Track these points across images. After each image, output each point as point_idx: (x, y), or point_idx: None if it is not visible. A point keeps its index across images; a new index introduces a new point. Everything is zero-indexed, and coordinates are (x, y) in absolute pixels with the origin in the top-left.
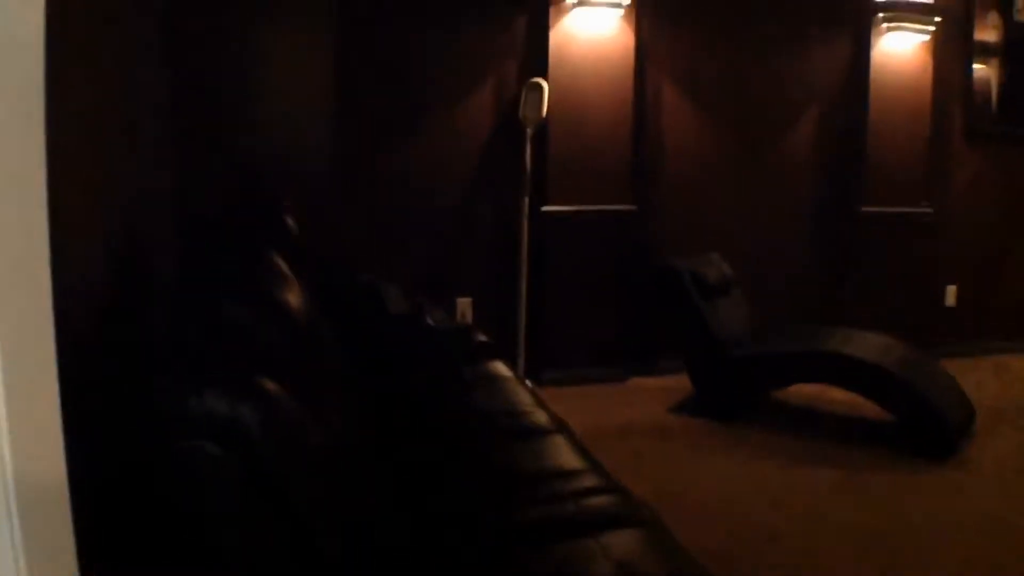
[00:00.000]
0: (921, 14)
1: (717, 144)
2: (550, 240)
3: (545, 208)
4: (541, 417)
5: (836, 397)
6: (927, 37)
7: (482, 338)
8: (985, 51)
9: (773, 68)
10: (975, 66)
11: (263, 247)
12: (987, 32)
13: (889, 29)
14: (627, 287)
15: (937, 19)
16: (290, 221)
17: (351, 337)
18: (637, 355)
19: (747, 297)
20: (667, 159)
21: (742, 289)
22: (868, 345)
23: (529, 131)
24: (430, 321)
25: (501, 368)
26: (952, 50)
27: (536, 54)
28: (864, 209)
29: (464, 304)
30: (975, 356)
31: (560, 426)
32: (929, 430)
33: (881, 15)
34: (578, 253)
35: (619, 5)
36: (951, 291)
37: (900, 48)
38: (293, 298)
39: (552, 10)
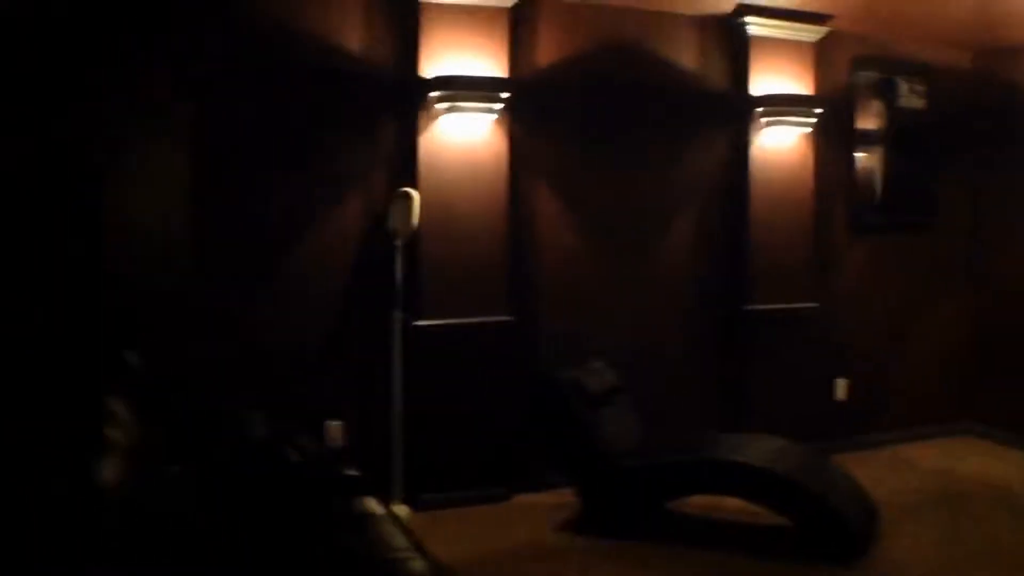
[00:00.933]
0: (801, 106)
1: (596, 248)
2: (424, 356)
3: (418, 323)
4: (418, 565)
5: (734, 505)
6: (808, 129)
7: (352, 472)
8: (868, 140)
9: (651, 169)
10: (858, 155)
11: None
12: (870, 121)
13: (769, 124)
14: (508, 401)
15: (818, 110)
16: (132, 358)
17: (208, 475)
18: (521, 471)
19: (635, 405)
20: (545, 265)
21: (630, 397)
22: (761, 450)
23: (399, 242)
24: (294, 453)
25: (373, 505)
26: (834, 141)
27: (406, 162)
28: (749, 307)
29: (335, 428)
30: (869, 449)
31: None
32: (831, 534)
33: (761, 109)
34: (455, 368)
35: (491, 110)
36: (841, 384)
37: (781, 142)
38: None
39: (422, 116)
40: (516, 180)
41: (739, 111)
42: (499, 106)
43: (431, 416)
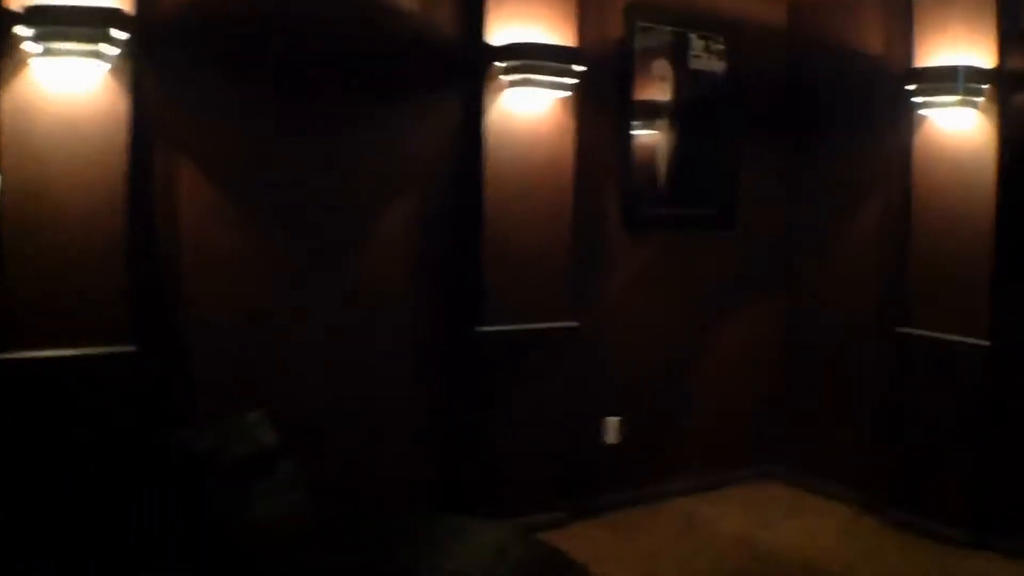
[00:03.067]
0: (555, 61)
1: (269, 250)
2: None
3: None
4: None
5: None
6: (567, 93)
7: None
8: (651, 112)
9: (351, 143)
10: (638, 131)
11: None
12: (653, 87)
13: (513, 84)
14: (115, 468)
15: (579, 68)
16: None
17: None
18: (118, 569)
19: (308, 474)
20: (188, 276)
21: (298, 462)
22: (473, 549)
23: None
24: None
25: None
26: (604, 112)
27: None
28: (486, 329)
29: None
30: (652, 504)
31: None
32: None
33: (500, 65)
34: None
35: (98, 54)
36: (612, 424)
37: (529, 110)
38: None
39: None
40: (143, 157)
41: (473, 66)
42: (112, 50)
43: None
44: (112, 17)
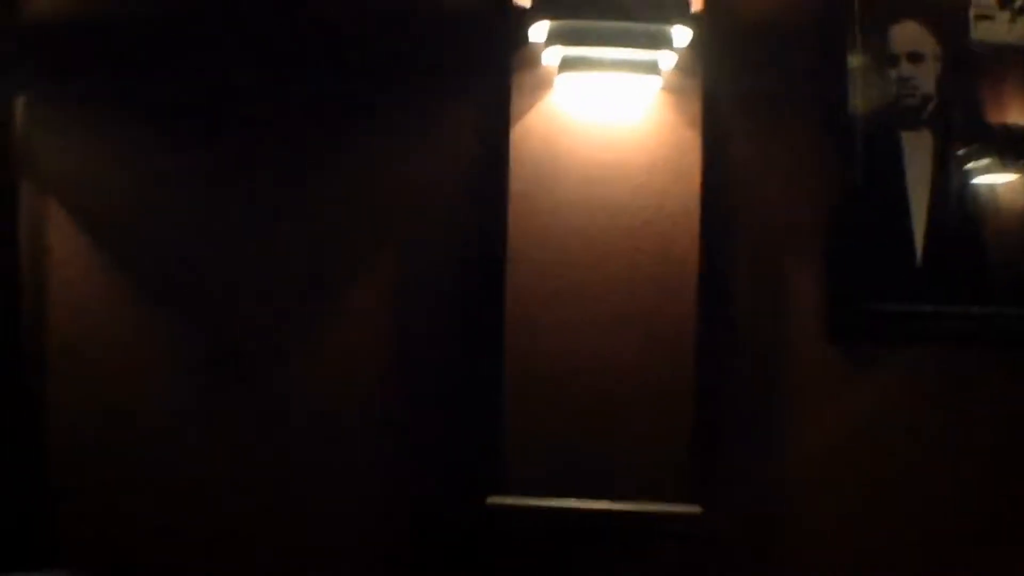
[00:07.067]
0: (650, 22)
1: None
2: None
3: None
4: None
5: None
6: (687, 82)
7: None
8: (891, 119)
9: (292, 191)
10: (862, 158)
11: None
12: (895, 74)
13: (565, 67)
14: None
15: (688, 33)
16: None
17: None
18: None
19: None
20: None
21: None
22: None
23: None
24: None
25: None
26: (780, 121)
27: None
28: (499, 502)
29: None
30: None
31: None
32: None
33: (539, 31)
34: None
35: None
36: None
37: (602, 118)
38: None
39: None
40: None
41: (495, 43)
42: None
43: None
44: None
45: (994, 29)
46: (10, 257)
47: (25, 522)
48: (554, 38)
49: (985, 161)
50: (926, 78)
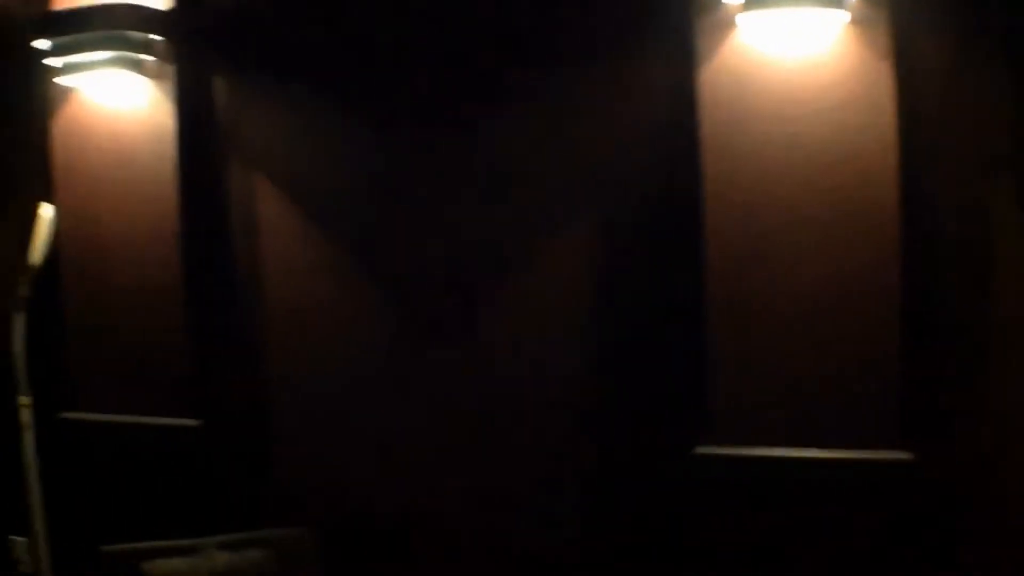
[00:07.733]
0: None
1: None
2: None
3: None
4: None
5: None
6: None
7: None
8: None
9: (483, 142)
10: None
11: None
12: None
13: (749, 4)
14: None
15: None
16: None
17: None
18: None
19: None
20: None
21: None
22: None
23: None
24: None
25: None
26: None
27: None
28: (706, 451)
29: None
30: None
31: None
32: None
33: None
34: None
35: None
36: None
37: (789, 56)
38: None
39: None
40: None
41: None
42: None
43: None
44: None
45: None
46: (224, 225)
47: (254, 479)
48: None
49: None
50: None
